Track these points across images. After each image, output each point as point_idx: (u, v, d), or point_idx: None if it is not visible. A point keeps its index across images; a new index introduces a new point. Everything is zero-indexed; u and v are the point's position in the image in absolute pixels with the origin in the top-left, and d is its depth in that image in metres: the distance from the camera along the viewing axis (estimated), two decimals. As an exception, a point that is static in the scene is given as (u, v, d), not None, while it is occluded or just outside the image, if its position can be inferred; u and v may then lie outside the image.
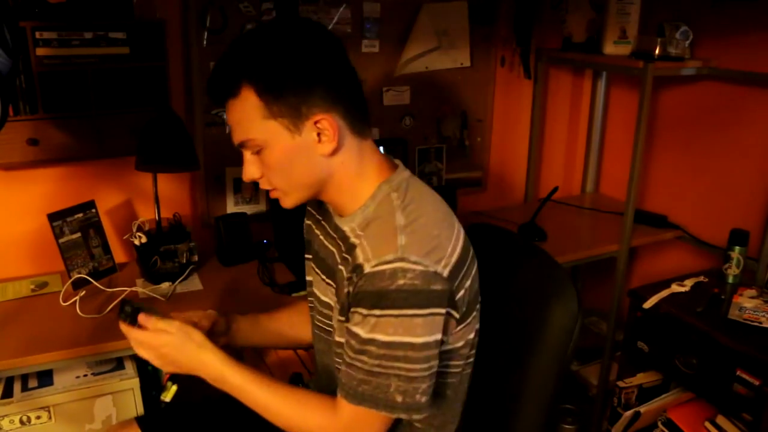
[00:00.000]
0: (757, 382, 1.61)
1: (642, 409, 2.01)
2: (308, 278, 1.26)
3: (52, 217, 1.69)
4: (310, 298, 1.25)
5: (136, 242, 1.76)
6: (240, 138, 1.03)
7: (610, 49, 2.17)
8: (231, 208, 2.08)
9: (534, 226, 2.12)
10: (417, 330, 0.96)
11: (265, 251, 1.97)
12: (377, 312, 0.96)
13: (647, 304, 1.89)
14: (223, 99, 1.02)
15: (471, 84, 2.34)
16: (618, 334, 2.20)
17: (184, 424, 1.31)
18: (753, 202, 2.03)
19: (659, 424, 1.96)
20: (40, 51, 1.67)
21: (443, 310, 0.99)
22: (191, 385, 1.75)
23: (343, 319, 1.06)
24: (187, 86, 1.93)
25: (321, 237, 1.18)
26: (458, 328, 1.06)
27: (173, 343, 1.08)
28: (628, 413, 2.02)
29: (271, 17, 1.95)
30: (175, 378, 1.71)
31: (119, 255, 1.91)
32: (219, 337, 1.26)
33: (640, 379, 2.06)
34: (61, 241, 1.70)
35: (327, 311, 1.15)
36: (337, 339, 1.09)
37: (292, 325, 1.37)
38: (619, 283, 2.12)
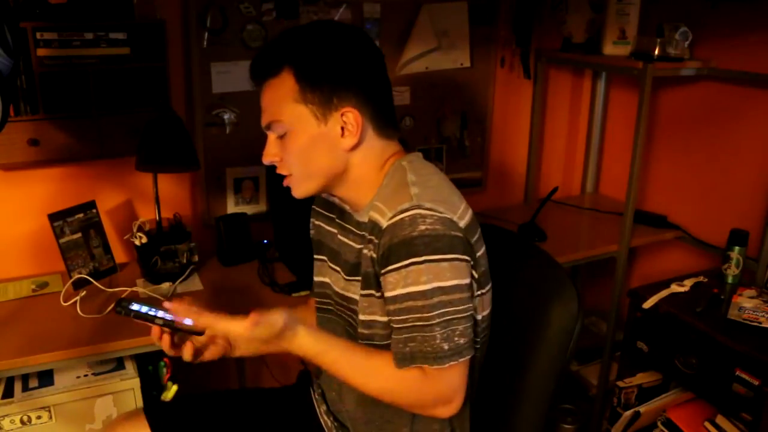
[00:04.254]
0: (756, 382, 1.61)
1: (642, 409, 2.01)
2: (322, 279, 1.25)
3: (53, 218, 1.69)
4: (324, 299, 1.25)
5: (137, 242, 1.76)
6: (269, 119, 1.08)
7: (609, 49, 2.17)
8: (231, 208, 2.08)
9: (534, 226, 2.12)
10: (446, 274, 0.99)
11: (265, 251, 1.97)
12: (406, 263, 0.98)
13: (647, 304, 1.90)
14: (263, 77, 1.08)
15: (471, 84, 2.34)
16: (618, 334, 2.20)
17: (190, 415, 1.31)
18: (753, 202, 2.03)
19: (659, 424, 1.96)
20: (41, 51, 1.67)
21: (466, 258, 1.02)
22: (193, 385, 1.76)
23: (366, 292, 1.07)
24: (187, 86, 1.93)
25: (338, 235, 1.19)
26: (477, 292, 1.07)
27: (275, 334, 1.04)
28: (628, 413, 2.02)
29: (272, 18, 1.95)
30: (175, 378, 1.72)
31: (120, 255, 1.91)
32: (217, 338, 1.20)
33: (640, 379, 2.06)
34: (61, 241, 1.70)
35: (353, 306, 1.15)
36: (362, 318, 1.10)
37: None
38: (618, 283, 2.12)
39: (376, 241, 1.02)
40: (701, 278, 1.99)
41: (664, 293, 1.92)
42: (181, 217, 1.87)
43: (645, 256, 2.45)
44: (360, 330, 1.11)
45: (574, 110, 2.60)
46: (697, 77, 2.12)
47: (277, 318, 1.03)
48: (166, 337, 1.08)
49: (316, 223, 1.28)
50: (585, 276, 2.66)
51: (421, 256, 0.98)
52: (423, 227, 0.98)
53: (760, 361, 1.60)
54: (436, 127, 2.33)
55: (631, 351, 1.99)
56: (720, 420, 1.80)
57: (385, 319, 1.07)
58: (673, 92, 2.25)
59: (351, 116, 1.05)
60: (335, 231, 1.21)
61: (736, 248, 1.94)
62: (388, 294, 1.02)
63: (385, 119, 1.10)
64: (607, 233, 2.18)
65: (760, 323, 1.70)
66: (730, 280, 1.96)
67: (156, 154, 1.70)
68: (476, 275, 1.06)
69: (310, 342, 1.06)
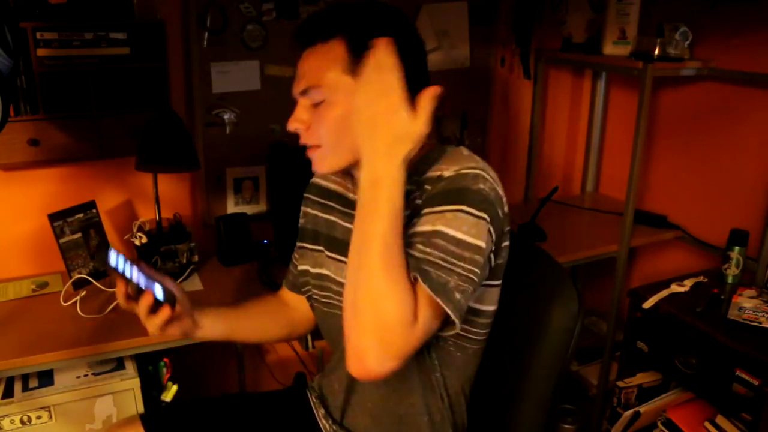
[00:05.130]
0: (756, 382, 1.61)
1: (642, 409, 2.01)
2: (319, 271, 1.21)
3: (53, 218, 1.69)
4: (324, 293, 1.21)
5: (137, 242, 1.76)
6: (309, 83, 1.05)
7: (609, 49, 2.17)
8: (231, 208, 2.08)
9: (534, 226, 2.12)
10: (483, 236, 0.97)
11: (265, 251, 1.97)
12: (455, 207, 0.95)
13: (647, 304, 1.90)
14: (312, 41, 1.04)
15: (471, 84, 2.34)
16: (618, 334, 2.20)
17: (186, 422, 1.31)
18: (753, 202, 2.03)
19: (659, 424, 1.96)
20: (41, 51, 1.67)
21: (495, 237, 1.00)
22: (193, 385, 1.76)
23: None
24: (187, 86, 1.93)
25: (343, 223, 1.16)
26: (486, 282, 1.05)
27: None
28: (628, 413, 2.02)
29: (272, 18, 1.95)
30: (175, 378, 1.72)
31: (120, 255, 1.91)
32: (183, 316, 1.16)
33: (640, 379, 2.06)
34: (61, 241, 1.70)
35: None
36: None
37: (256, 320, 1.33)
38: (618, 283, 2.12)
39: (431, 188, 1.00)
40: (701, 278, 1.99)
41: (664, 293, 1.92)
42: (181, 217, 1.87)
43: (645, 256, 2.45)
44: None
45: (574, 110, 2.60)
46: (697, 77, 2.12)
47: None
48: (123, 289, 1.08)
49: (310, 212, 1.25)
50: (585, 276, 2.66)
51: (470, 207, 0.96)
52: (482, 185, 0.98)
53: (760, 361, 1.60)
54: (436, 127, 2.33)
55: (631, 351, 1.99)
56: (720, 420, 1.80)
57: None
58: (673, 92, 2.25)
59: None
60: (336, 219, 1.18)
61: (736, 248, 1.94)
62: (420, 228, 0.96)
63: None
64: (607, 233, 2.18)
65: (760, 323, 1.70)
66: (730, 280, 1.96)
67: (156, 154, 1.70)
68: (492, 264, 1.04)
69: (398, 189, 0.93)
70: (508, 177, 2.56)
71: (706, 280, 1.99)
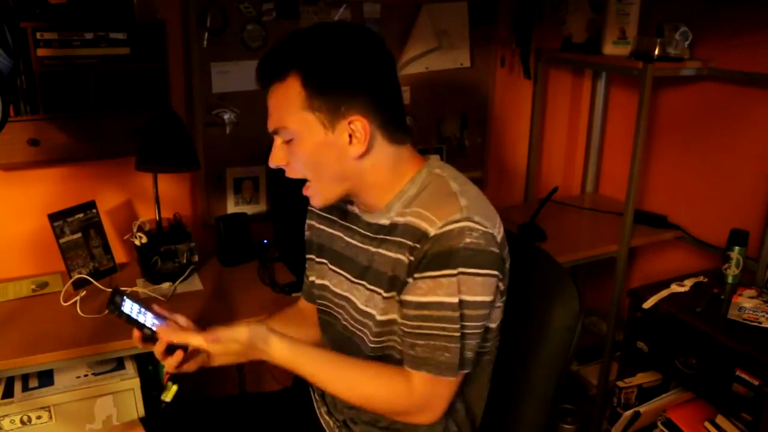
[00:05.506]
0: (756, 382, 1.61)
1: (642, 409, 2.01)
2: (321, 281, 1.24)
3: (53, 218, 1.69)
4: (323, 302, 1.25)
5: (137, 242, 1.76)
6: (275, 124, 1.06)
7: (609, 49, 2.17)
8: (231, 208, 2.08)
9: (534, 226, 2.12)
10: (476, 289, 1.00)
11: (265, 251, 1.97)
12: (442, 272, 0.98)
13: (647, 304, 1.90)
14: (269, 81, 1.04)
15: (471, 84, 2.34)
16: (618, 334, 2.20)
17: (187, 425, 1.31)
18: (753, 202, 2.03)
19: (659, 424, 1.96)
20: (41, 51, 1.67)
21: (497, 273, 1.02)
22: (193, 384, 1.75)
23: (389, 295, 1.07)
24: (187, 86, 1.93)
25: (345, 238, 1.18)
26: (499, 303, 1.08)
27: (244, 347, 1.08)
28: (628, 413, 2.02)
29: (272, 18, 1.95)
30: (175, 378, 1.72)
31: (120, 255, 1.91)
32: (197, 351, 1.21)
33: (640, 379, 2.06)
34: (61, 241, 1.70)
35: (351, 311, 1.15)
36: (379, 318, 1.10)
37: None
38: (618, 283, 2.12)
39: (419, 247, 1.01)
40: (701, 278, 1.99)
41: (664, 293, 1.92)
42: (181, 217, 1.87)
43: (645, 256, 2.45)
44: (378, 318, 1.10)
45: (574, 110, 2.60)
46: (697, 77, 2.12)
47: (240, 332, 1.05)
48: (138, 334, 1.13)
49: (315, 225, 1.27)
50: (585, 276, 2.66)
51: (458, 268, 0.98)
52: (468, 240, 0.98)
53: (760, 361, 1.60)
54: (436, 127, 2.33)
55: (631, 351, 1.99)
56: (720, 420, 1.80)
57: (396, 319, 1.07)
58: (673, 92, 2.25)
59: (359, 124, 1.02)
60: (339, 234, 1.20)
61: (736, 248, 1.94)
62: (412, 298, 1.02)
63: (395, 125, 1.07)
64: (607, 233, 2.18)
65: (760, 323, 1.70)
66: (730, 280, 1.96)
67: (156, 154, 1.70)
68: (502, 287, 1.07)
69: (284, 353, 1.07)
70: (508, 177, 2.56)
71: (706, 280, 1.99)
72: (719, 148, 2.13)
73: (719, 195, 2.15)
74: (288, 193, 1.80)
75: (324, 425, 1.30)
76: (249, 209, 2.08)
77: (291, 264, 1.88)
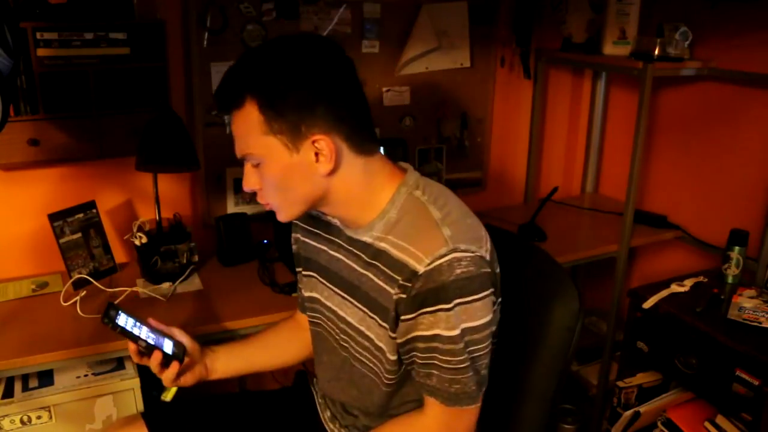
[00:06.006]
0: (756, 382, 1.61)
1: (642, 409, 2.01)
2: (311, 294, 1.24)
3: (53, 218, 1.69)
4: (315, 314, 1.25)
5: (137, 242, 1.76)
6: (241, 151, 1.05)
7: (609, 49, 2.17)
8: (231, 208, 2.08)
9: (534, 227, 2.12)
10: (478, 313, 0.99)
11: (265, 251, 1.97)
12: (438, 307, 0.98)
13: (647, 304, 1.90)
14: (228, 109, 1.03)
15: (471, 84, 2.34)
16: (618, 334, 2.20)
17: (188, 421, 1.31)
18: (753, 202, 2.03)
19: (659, 424, 1.96)
20: (41, 51, 1.67)
21: (491, 290, 1.02)
22: (193, 385, 1.74)
23: (383, 324, 1.06)
24: (187, 86, 1.93)
25: (329, 251, 1.17)
26: (493, 308, 1.08)
27: None
28: (628, 413, 2.02)
29: (272, 18, 1.95)
30: (175, 378, 1.71)
31: (120, 255, 1.91)
32: (194, 365, 1.24)
33: (640, 379, 2.06)
34: (61, 241, 1.70)
35: (342, 325, 1.16)
36: (377, 344, 1.10)
37: (271, 348, 1.37)
38: (618, 283, 2.12)
39: (409, 285, 0.99)
40: (701, 278, 1.99)
41: (664, 293, 1.92)
42: (181, 217, 1.87)
43: (645, 256, 2.45)
44: (374, 343, 1.10)
45: (574, 110, 2.60)
46: (697, 77, 2.12)
47: None
48: (134, 348, 1.16)
49: (300, 238, 1.26)
50: (585, 276, 2.66)
51: (453, 301, 0.97)
52: (459, 271, 0.97)
53: (760, 361, 1.60)
54: (436, 127, 2.33)
55: (631, 351, 1.99)
56: (720, 420, 1.80)
57: (392, 356, 1.07)
58: (673, 92, 2.25)
59: (323, 143, 0.98)
60: (323, 247, 1.19)
61: (736, 248, 1.94)
62: (418, 333, 1.01)
63: (361, 136, 1.03)
64: (607, 233, 2.18)
65: (760, 323, 1.70)
66: (730, 280, 1.96)
67: (156, 154, 1.70)
68: (494, 297, 1.06)
69: None
70: (508, 177, 2.56)
71: (706, 280, 1.99)
72: (719, 148, 2.13)
73: (719, 195, 2.15)
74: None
75: (327, 430, 1.30)
76: (249, 209, 2.08)
77: (291, 264, 1.88)
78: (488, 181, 2.49)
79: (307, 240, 1.24)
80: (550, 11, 2.36)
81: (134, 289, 1.72)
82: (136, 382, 1.60)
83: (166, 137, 1.71)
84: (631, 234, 2.10)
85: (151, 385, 1.69)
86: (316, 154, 1.00)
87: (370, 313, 1.08)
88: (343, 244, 1.13)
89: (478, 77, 2.34)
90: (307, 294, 1.25)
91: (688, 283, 1.96)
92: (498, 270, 1.08)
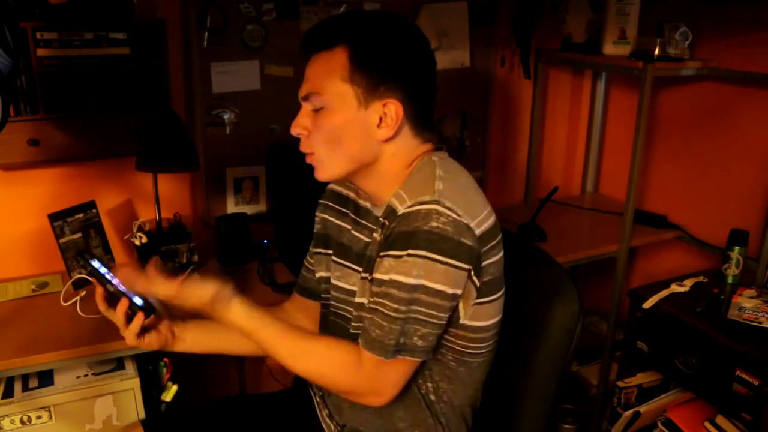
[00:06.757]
0: (756, 382, 1.61)
1: (642, 409, 2.01)
2: (322, 274, 1.24)
3: (53, 218, 1.69)
4: (327, 295, 1.23)
5: (137, 242, 1.76)
6: (309, 89, 1.06)
7: (609, 49, 2.17)
8: (231, 208, 2.08)
9: (534, 226, 2.12)
10: (437, 276, 0.98)
11: (265, 251, 1.97)
12: (408, 252, 0.97)
13: (647, 304, 1.90)
14: (316, 48, 1.06)
15: (471, 84, 2.34)
16: (618, 334, 2.20)
17: (187, 427, 1.31)
18: (753, 202, 2.03)
19: (659, 424, 1.96)
20: (41, 51, 1.67)
21: (467, 267, 1.00)
22: (193, 385, 1.76)
23: (365, 275, 1.07)
24: (187, 86, 1.93)
25: (353, 232, 1.18)
26: (477, 300, 1.05)
27: (204, 305, 1.08)
28: (628, 413, 2.02)
29: (272, 18, 1.95)
30: (175, 378, 1.72)
31: (120, 255, 1.91)
32: (161, 327, 1.20)
33: (640, 379, 2.06)
34: (61, 241, 1.70)
35: (351, 299, 1.15)
36: (357, 300, 1.10)
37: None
38: (618, 283, 2.12)
39: (388, 224, 1.02)
40: (701, 278, 1.99)
41: (664, 293, 1.92)
42: (181, 217, 1.87)
43: (645, 256, 2.45)
44: (353, 321, 1.11)
45: (574, 110, 2.60)
46: (697, 77, 2.12)
47: (205, 290, 1.06)
48: (101, 292, 1.13)
49: (325, 217, 1.26)
50: (585, 276, 2.66)
51: (421, 250, 0.96)
52: (434, 224, 0.96)
53: (760, 361, 1.60)
54: (436, 127, 2.33)
55: (631, 351, 1.99)
56: (720, 420, 1.81)
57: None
58: (673, 92, 2.25)
59: (393, 108, 1.03)
60: (348, 227, 1.19)
61: (736, 248, 1.94)
62: (377, 275, 1.01)
63: (424, 119, 1.09)
64: (607, 233, 2.18)
65: (760, 323, 1.70)
66: (730, 280, 1.96)
67: (156, 154, 1.70)
68: (478, 284, 1.04)
69: (243, 318, 1.07)
70: (508, 177, 2.56)
71: (706, 280, 1.99)
72: (719, 148, 2.13)
73: (719, 195, 2.15)
74: (288, 193, 1.81)
75: (325, 428, 1.30)
76: (249, 209, 2.08)
77: (291, 264, 1.88)
78: (488, 181, 2.49)
79: (333, 219, 1.24)
80: (550, 11, 2.36)
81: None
82: (136, 382, 1.60)
83: (166, 137, 1.71)
84: (631, 234, 2.10)
85: (151, 385, 1.70)
86: (380, 119, 1.04)
87: (363, 273, 1.09)
88: (368, 224, 1.14)
89: (478, 77, 2.34)
90: (322, 275, 1.25)
91: (688, 283, 1.96)
92: (490, 261, 1.04)
